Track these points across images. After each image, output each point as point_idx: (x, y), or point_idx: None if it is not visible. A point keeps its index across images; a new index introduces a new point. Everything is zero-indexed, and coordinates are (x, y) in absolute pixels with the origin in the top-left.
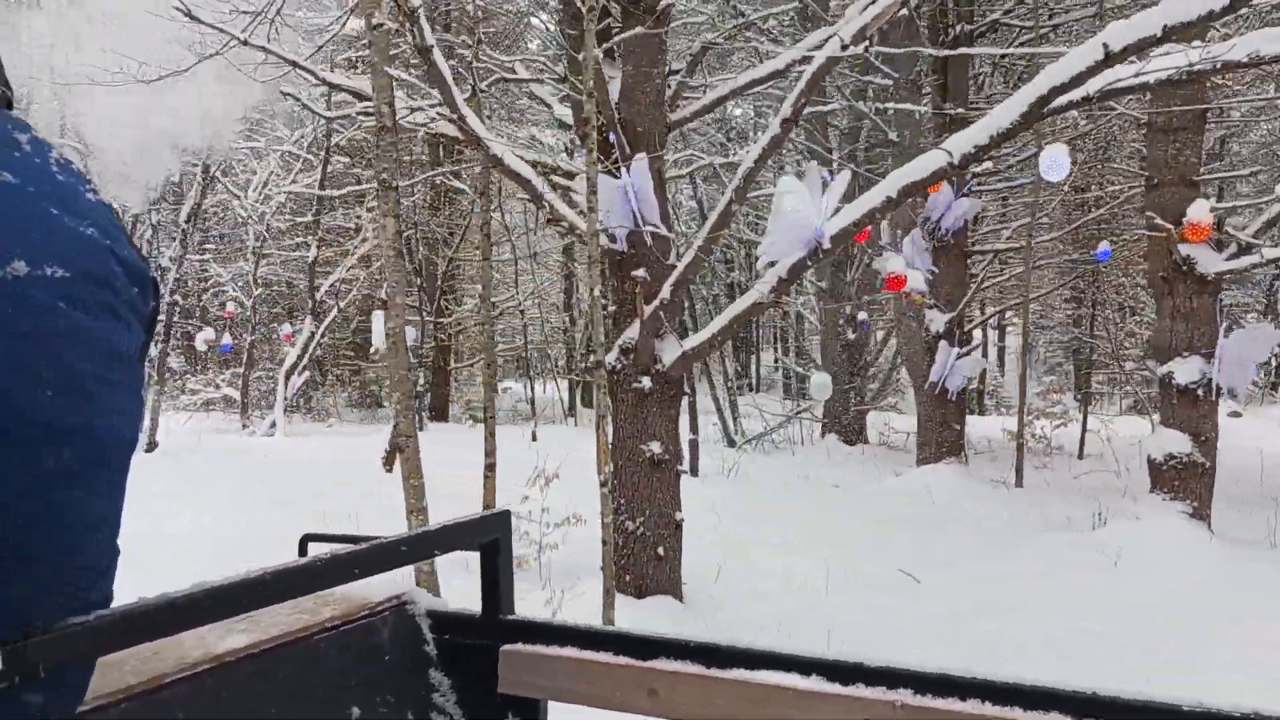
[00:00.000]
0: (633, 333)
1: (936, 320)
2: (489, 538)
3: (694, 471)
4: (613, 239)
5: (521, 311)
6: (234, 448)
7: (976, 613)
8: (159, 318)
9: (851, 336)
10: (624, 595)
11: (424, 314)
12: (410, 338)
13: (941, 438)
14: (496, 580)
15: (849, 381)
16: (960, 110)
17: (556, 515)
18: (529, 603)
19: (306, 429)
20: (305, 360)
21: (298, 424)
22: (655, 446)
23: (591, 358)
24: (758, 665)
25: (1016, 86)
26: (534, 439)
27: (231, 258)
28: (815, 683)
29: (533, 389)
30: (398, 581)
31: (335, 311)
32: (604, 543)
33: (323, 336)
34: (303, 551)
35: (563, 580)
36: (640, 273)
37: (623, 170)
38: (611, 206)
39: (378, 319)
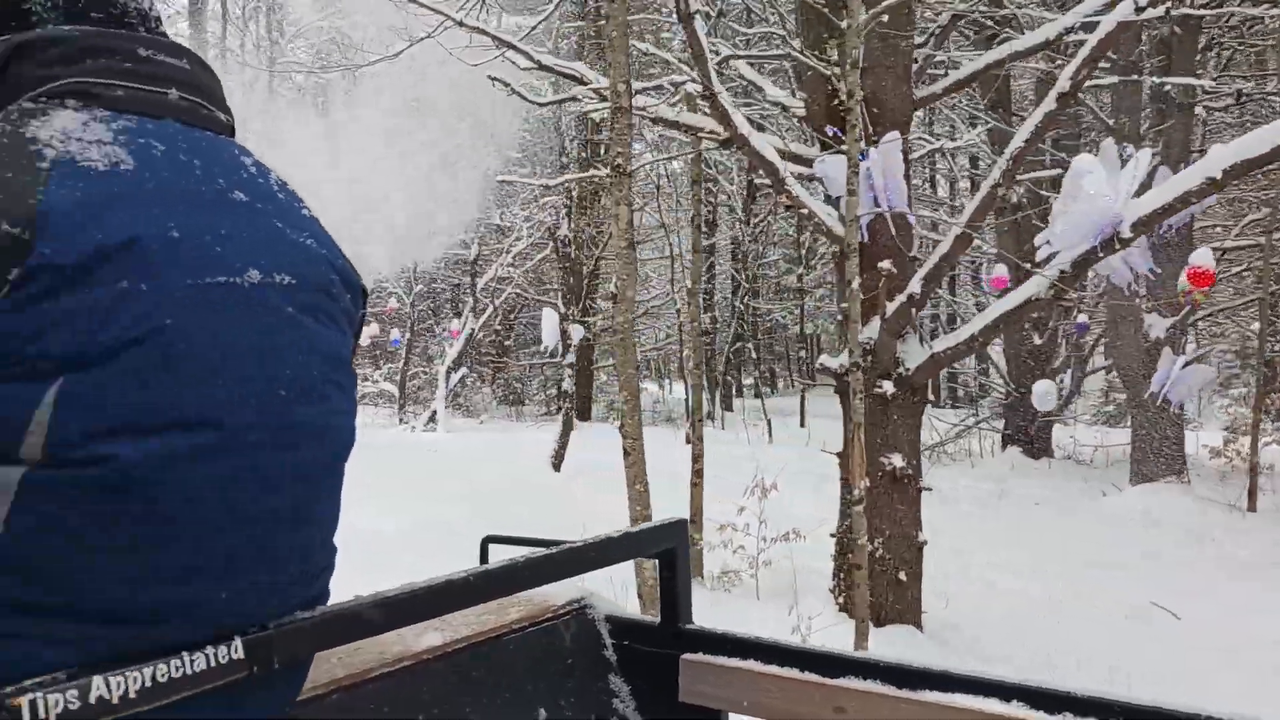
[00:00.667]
0: (871, 331)
1: (1157, 325)
2: (666, 546)
3: None
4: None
5: (678, 311)
6: (397, 443)
7: (1251, 649)
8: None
9: (1039, 341)
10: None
11: (572, 312)
12: (578, 336)
13: (1160, 454)
14: (675, 589)
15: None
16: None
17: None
18: (749, 622)
19: (460, 424)
20: (463, 357)
21: (451, 420)
22: (897, 459)
23: (843, 359)
24: (953, 688)
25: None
26: (688, 441)
27: None
28: (1017, 709)
29: (688, 390)
30: (576, 585)
31: (491, 309)
32: (857, 567)
33: (480, 333)
34: (484, 553)
35: (780, 600)
36: (886, 264)
37: (870, 151)
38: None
39: (549, 317)
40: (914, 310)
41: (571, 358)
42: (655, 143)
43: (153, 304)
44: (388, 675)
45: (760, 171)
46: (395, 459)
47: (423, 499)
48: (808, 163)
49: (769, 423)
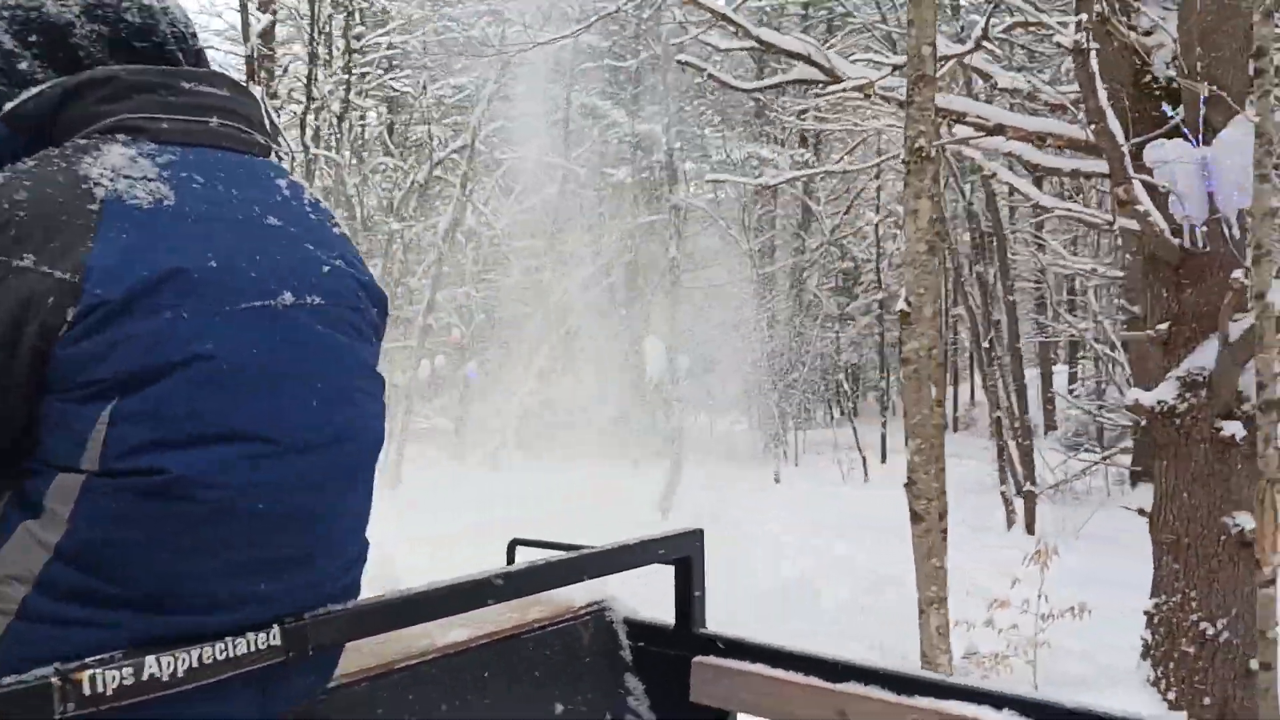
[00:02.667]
0: (1202, 359)
1: None
2: (682, 554)
3: (1030, 529)
4: (1176, 232)
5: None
6: (456, 479)
7: None
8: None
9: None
10: None
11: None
12: (682, 367)
13: None
14: (689, 594)
15: None
16: None
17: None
18: None
19: (524, 464)
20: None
21: (512, 456)
22: (1245, 520)
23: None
24: (949, 696)
25: None
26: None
27: (449, 280)
28: (1008, 717)
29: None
30: (598, 588)
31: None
32: (1264, 667)
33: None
34: (511, 555)
35: (1070, 690)
36: (1239, 274)
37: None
38: (1188, 189)
39: (654, 346)
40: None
41: (681, 393)
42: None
43: (195, 330)
44: (414, 667)
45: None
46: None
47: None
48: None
49: (864, 459)
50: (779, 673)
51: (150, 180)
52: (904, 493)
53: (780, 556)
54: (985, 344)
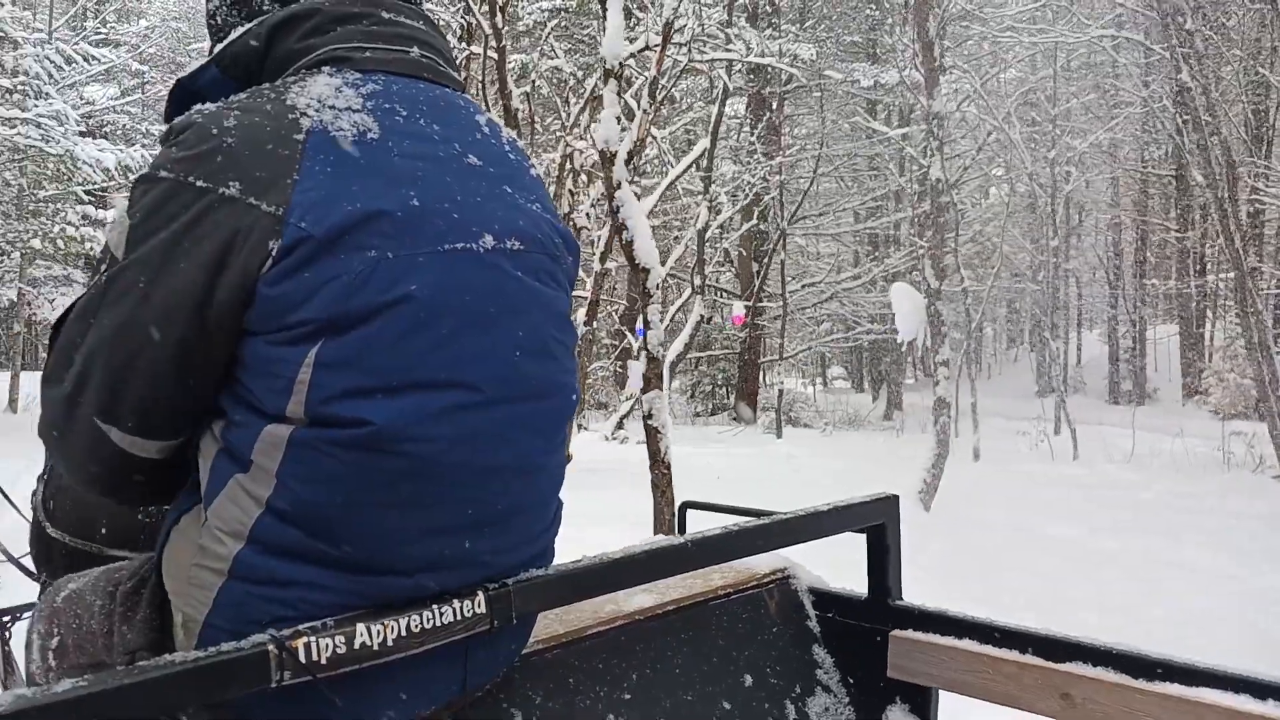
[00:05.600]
0: None
1: None
2: (876, 521)
3: None
4: None
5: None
6: (618, 460)
7: None
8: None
9: None
10: None
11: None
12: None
13: None
14: (885, 564)
15: None
16: None
17: None
18: None
19: (687, 433)
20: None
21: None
22: None
23: None
24: (1198, 682)
25: None
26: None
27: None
28: (1274, 708)
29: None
30: (780, 555)
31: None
32: None
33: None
34: (682, 518)
35: None
36: None
37: None
38: None
39: (903, 293)
40: None
41: (946, 354)
42: None
43: (400, 271)
44: (604, 633)
45: None
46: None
47: None
48: None
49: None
50: (991, 649)
51: (355, 111)
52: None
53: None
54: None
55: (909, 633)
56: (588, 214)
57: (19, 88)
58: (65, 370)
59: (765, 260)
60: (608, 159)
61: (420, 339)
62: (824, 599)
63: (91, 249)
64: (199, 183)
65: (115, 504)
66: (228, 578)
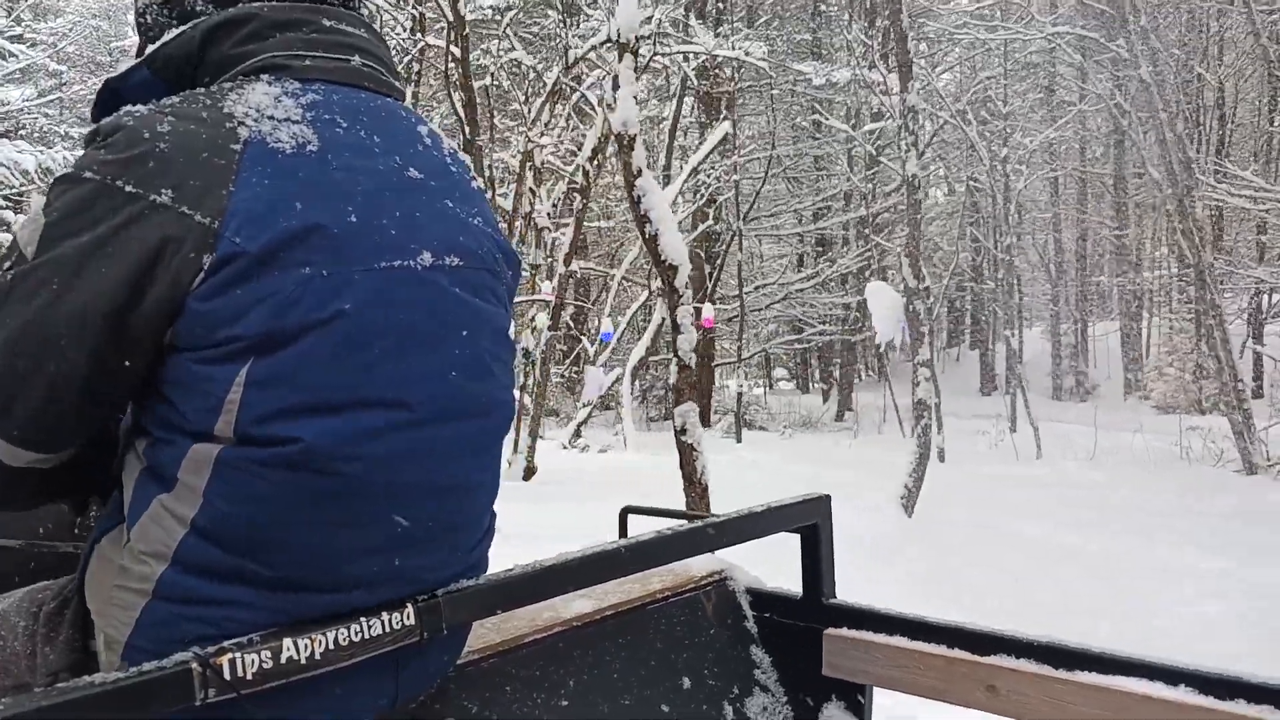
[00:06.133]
0: None
1: None
2: (809, 521)
3: None
4: None
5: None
6: (574, 469)
7: None
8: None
9: None
10: None
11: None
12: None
13: None
14: (819, 563)
15: None
16: None
17: None
18: None
19: (647, 440)
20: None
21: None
22: None
23: None
24: (1114, 670)
25: None
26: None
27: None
28: (1184, 694)
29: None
30: (716, 557)
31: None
32: None
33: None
34: (623, 523)
35: None
36: None
37: None
38: None
39: (879, 293)
40: None
41: (926, 354)
42: None
43: (334, 288)
44: (541, 641)
45: None
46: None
47: None
48: None
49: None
50: (920, 645)
51: (294, 123)
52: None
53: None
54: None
55: (843, 630)
56: (548, 214)
57: None
58: None
59: (719, 261)
60: (626, 143)
61: (354, 358)
62: (761, 599)
63: None
64: (128, 187)
65: None
66: (151, 597)
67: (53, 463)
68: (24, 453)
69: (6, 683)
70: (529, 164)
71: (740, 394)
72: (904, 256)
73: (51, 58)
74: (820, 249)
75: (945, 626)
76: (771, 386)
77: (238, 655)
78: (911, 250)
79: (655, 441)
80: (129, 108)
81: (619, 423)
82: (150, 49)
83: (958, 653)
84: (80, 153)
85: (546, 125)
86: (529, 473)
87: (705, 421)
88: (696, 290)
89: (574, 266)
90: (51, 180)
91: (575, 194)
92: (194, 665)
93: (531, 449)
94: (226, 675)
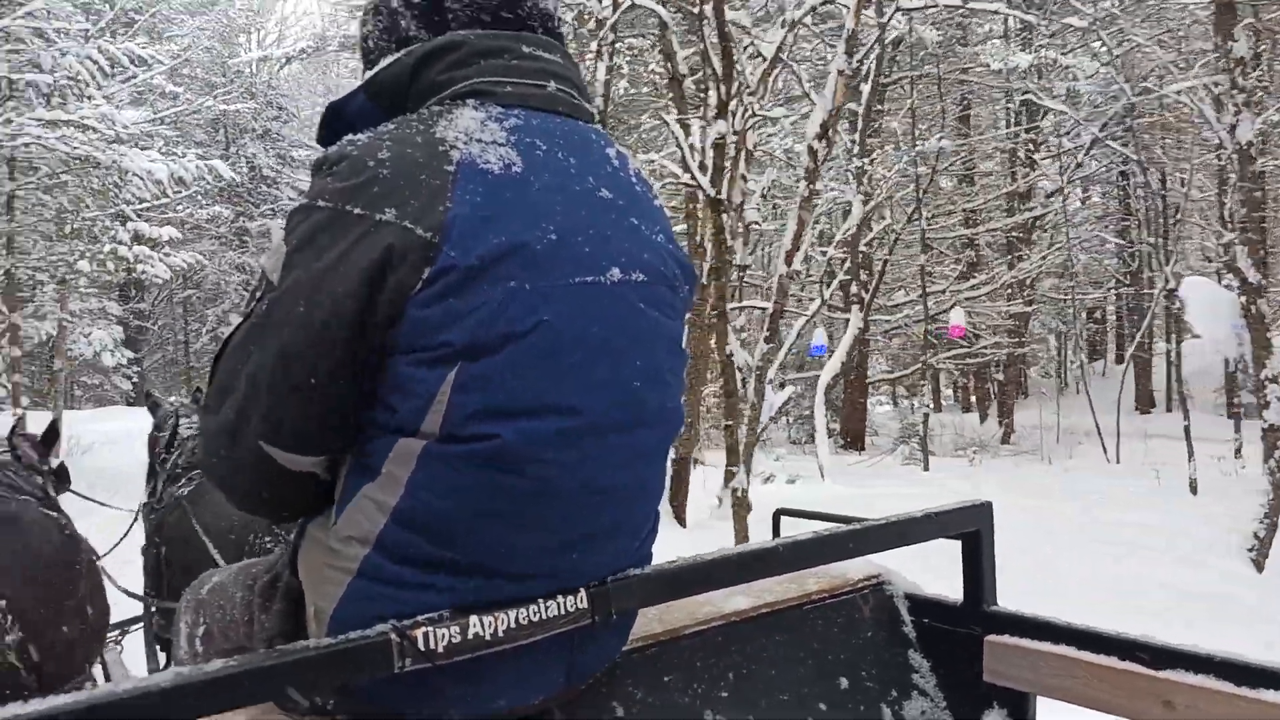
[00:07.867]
0: None
1: None
2: (971, 528)
3: None
4: None
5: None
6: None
7: None
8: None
9: None
10: None
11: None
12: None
13: None
14: (980, 570)
15: None
16: None
17: None
18: None
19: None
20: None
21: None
22: None
23: None
24: None
25: None
26: None
27: None
28: None
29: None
30: (873, 561)
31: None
32: None
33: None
34: (776, 524)
35: None
36: None
37: None
38: None
39: (1198, 288)
40: None
41: (1278, 367)
42: None
43: (535, 302)
44: (701, 633)
45: None
46: None
47: None
48: None
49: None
50: (1089, 655)
51: (500, 145)
52: None
53: None
54: None
55: (1005, 638)
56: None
57: (59, 86)
58: (224, 398)
59: (879, 267)
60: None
61: (550, 366)
62: (919, 604)
63: (144, 272)
64: (356, 210)
65: (275, 523)
66: (355, 576)
67: (322, 466)
68: (300, 457)
69: (227, 645)
70: (741, 146)
71: (926, 414)
72: (1239, 245)
73: (168, 79)
74: (984, 255)
75: (1117, 637)
76: (939, 407)
77: (430, 629)
78: (1250, 236)
79: (831, 469)
80: (351, 137)
81: (777, 447)
82: (369, 74)
83: (1130, 665)
84: (215, 161)
85: (760, 100)
86: (740, 508)
87: (860, 445)
88: (846, 298)
89: (796, 266)
90: (287, 212)
91: (801, 180)
92: (393, 636)
93: (744, 492)
94: (421, 646)
